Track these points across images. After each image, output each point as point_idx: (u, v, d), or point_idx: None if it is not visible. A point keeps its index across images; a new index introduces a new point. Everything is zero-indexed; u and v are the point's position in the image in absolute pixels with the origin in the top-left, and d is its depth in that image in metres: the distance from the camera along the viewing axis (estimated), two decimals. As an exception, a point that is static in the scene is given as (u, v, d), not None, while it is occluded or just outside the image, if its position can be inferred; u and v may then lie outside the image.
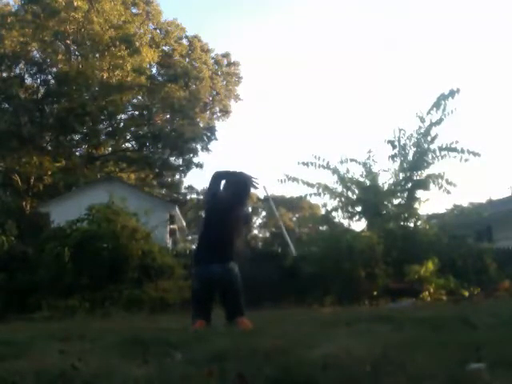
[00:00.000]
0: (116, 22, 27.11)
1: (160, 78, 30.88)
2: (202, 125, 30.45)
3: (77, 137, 28.85)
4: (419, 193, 10.88)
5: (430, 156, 10.80)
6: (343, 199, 11.14)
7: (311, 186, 11.09)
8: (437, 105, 10.65)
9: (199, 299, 4.16)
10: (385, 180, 11.22)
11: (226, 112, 33.07)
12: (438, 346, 2.38)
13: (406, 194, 10.96)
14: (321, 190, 11.08)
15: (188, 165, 29.16)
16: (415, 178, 10.90)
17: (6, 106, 25.26)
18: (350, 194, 11.15)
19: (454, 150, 10.49)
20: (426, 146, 10.84)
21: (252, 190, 4.73)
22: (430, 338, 2.69)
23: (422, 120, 10.86)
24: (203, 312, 4.06)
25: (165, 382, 1.93)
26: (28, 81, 27.62)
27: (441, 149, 10.67)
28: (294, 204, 42.47)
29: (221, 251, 4.13)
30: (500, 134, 58.25)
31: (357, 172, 11.17)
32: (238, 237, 4.37)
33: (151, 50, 28.39)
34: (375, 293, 9.03)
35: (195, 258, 4.36)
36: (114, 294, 8.89)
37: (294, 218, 43.94)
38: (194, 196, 38.29)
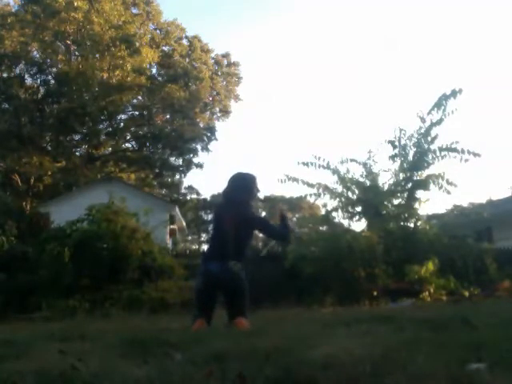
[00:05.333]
0: (116, 22, 27.09)
1: (160, 78, 30.87)
2: (201, 125, 30.44)
3: (77, 137, 28.86)
4: (419, 193, 10.88)
5: (430, 156, 10.79)
6: (343, 199, 11.13)
7: (311, 186, 11.08)
8: (438, 105, 10.63)
9: (199, 297, 4.17)
10: (385, 180, 11.22)
11: (226, 112, 33.05)
12: (438, 346, 2.38)
13: (406, 195, 10.95)
14: (321, 190, 11.08)
15: (188, 165, 29.14)
16: (415, 178, 10.89)
17: (6, 106, 25.25)
18: (350, 194, 11.15)
19: (455, 150, 10.48)
20: (426, 146, 10.84)
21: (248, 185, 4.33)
22: (430, 338, 2.68)
23: (423, 120, 10.85)
24: (204, 311, 4.05)
25: (165, 382, 1.93)
26: (28, 81, 27.64)
27: (441, 149, 10.66)
28: (293, 204, 42.47)
29: (221, 250, 4.11)
30: (500, 134, 58.22)
31: (357, 172, 11.17)
32: (246, 237, 4.23)
33: (151, 50, 28.37)
34: (375, 293, 9.02)
35: (202, 257, 4.40)
36: (114, 294, 8.89)
37: (294, 218, 43.92)
38: (194, 196, 38.23)
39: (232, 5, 63.39)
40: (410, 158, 10.94)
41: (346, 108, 71.70)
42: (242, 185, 4.28)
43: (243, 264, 4.15)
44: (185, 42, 32.20)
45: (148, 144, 29.11)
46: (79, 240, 9.45)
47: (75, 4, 25.11)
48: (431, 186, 10.65)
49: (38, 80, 27.78)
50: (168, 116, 30.54)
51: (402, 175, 11.00)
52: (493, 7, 60.89)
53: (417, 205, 10.87)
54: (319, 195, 11.14)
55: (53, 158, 25.61)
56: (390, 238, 9.93)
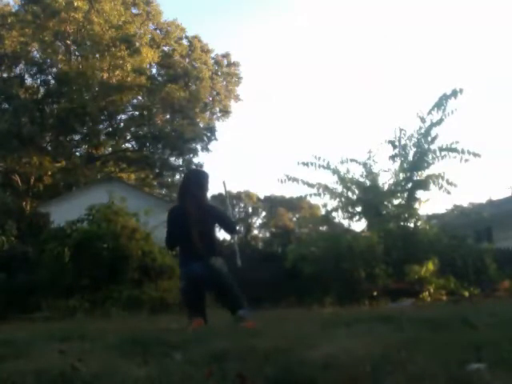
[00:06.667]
0: (116, 23, 27.09)
1: (160, 78, 30.87)
2: (201, 125, 30.43)
3: (77, 137, 28.87)
4: (419, 193, 10.89)
5: (430, 156, 10.79)
6: (343, 199, 11.14)
7: (311, 186, 11.09)
8: (438, 105, 10.63)
9: (188, 299, 4.24)
10: (385, 180, 11.24)
11: (226, 112, 33.04)
12: (438, 345, 2.38)
13: (406, 195, 10.96)
14: (321, 191, 11.08)
15: (188, 165, 29.10)
16: (415, 178, 10.90)
17: (6, 106, 25.24)
18: (350, 194, 11.16)
19: (455, 150, 10.48)
20: (426, 146, 10.84)
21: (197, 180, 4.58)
22: (430, 338, 2.68)
23: (423, 120, 10.86)
24: (197, 311, 4.10)
25: (165, 382, 1.93)
26: (28, 81, 27.67)
27: (441, 149, 10.67)
28: (293, 204, 42.47)
29: (195, 248, 4.15)
30: (500, 134, 58.24)
31: (357, 172, 11.18)
32: (210, 229, 4.37)
33: (151, 50, 28.37)
34: (375, 293, 9.02)
35: (179, 260, 4.46)
36: (114, 294, 8.89)
37: (294, 219, 43.93)
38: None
39: (232, 5, 63.47)
40: (410, 158, 10.95)
41: (346, 108, 71.77)
42: (196, 180, 4.53)
43: (223, 258, 4.22)
44: (185, 42, 32.21)
45: (148, 144, 29.10)
46: (79, 240, 9.44)
47: (75, 4, 25.11)
48: (431, 185, 10.66)
49: (38, 80, 27.83)
50: (168, 116, 30.53)
51: (402, 175, 11.01)
52: (493, 7, 60.93)
53: (417, 205, 10.88)
54: (319, 195, 11.16)
55: (53, 158, 25.62)
56: (390, 238, 9.93)
